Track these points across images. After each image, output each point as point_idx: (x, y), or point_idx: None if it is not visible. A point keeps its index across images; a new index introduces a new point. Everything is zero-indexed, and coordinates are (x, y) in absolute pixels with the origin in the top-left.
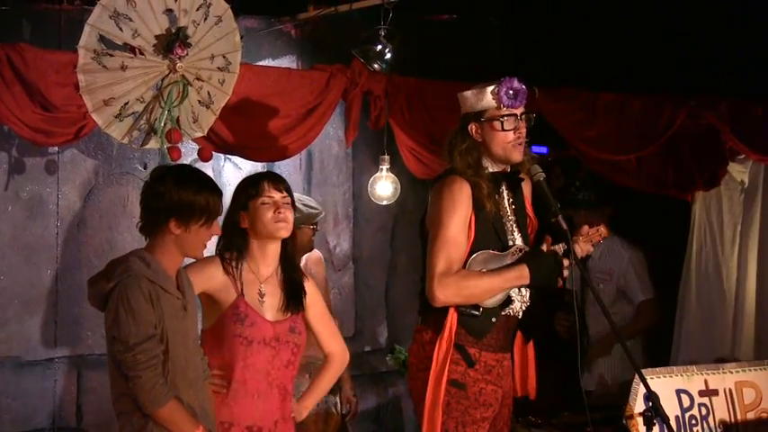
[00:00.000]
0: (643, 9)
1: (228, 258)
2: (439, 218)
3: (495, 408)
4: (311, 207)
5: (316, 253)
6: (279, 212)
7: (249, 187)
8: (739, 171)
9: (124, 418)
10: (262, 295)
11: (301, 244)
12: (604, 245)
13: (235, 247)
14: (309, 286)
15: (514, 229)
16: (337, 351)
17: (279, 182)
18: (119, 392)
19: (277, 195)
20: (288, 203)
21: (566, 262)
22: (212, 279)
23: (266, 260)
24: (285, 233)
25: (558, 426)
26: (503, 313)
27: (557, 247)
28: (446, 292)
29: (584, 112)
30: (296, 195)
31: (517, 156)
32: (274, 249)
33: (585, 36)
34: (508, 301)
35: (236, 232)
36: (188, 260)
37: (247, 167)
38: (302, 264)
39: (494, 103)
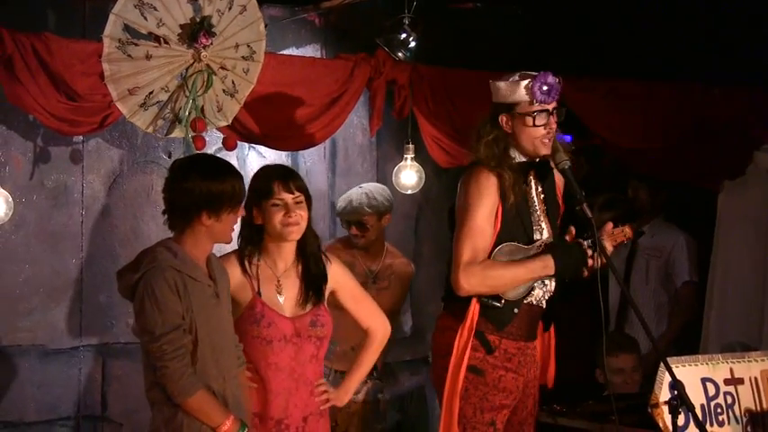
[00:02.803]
0: (667, 5)
1: (247, 255)
2: (465, 208)
3: (515, 395)
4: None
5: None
6: (289, 216)
7: (261, 185)
8: (764, 160)
9: (156, 407)
10: (280, 291)
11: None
12: (657, 225)
13: (252, 243)
14: (334, 269)
15: (542, 219)
16: (377, 326)
17: (289, 180)
18: (150, 382)
19: (288, 197)
20: (301, 202)
21: (590, 253)
22: (231, 279)
23: (282, 256)
24: (296, 236)
25: (583, 414)
26: (525, 302)
27: (584, 240)
28: (471, 281)
29: (608, 101)
30: (365, 188)
31: (544, 150)
32: (290, 246)
33: (609, 24)
34: (531, 290)
35: (252, 229)
36: None
37: (272, 156)
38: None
39: (527, 98)
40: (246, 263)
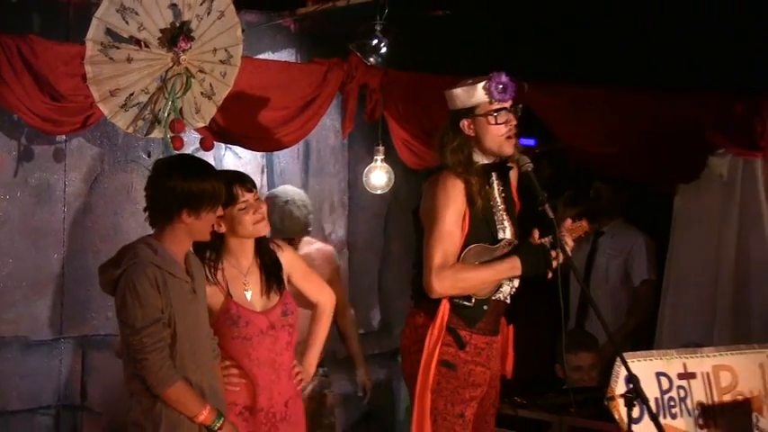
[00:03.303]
0: (630, 7)
1: (212, 261)
2: (434, 213)
3: (483, 388)
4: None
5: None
6: (257, 214)
7: (222, 194)
8: (719, 165)
9: (135, 398)
10: (247, 288)
11: None
12: (618, 225)
13: (212, 249)
14: (285, 255)
15: (504, 218)
16: (325, 299)
17: (245, 181)
18: (130, 374)
19: (250, 197)
20: (259, 199)
21: (553, 253)
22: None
23: (246, 253)
24: (266, 230)
25: (542, 406)
26: (493, 298)
27: (547, 239)
28: (443, 285)
29: (573, 107)
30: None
31: (508, 149)
32: (251, 243)
33: (575, 32)
34: (498, 287)
35: (214, 237)
36: None
37: (247, 156)
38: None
39: (485, 98)
40: (212, 270)
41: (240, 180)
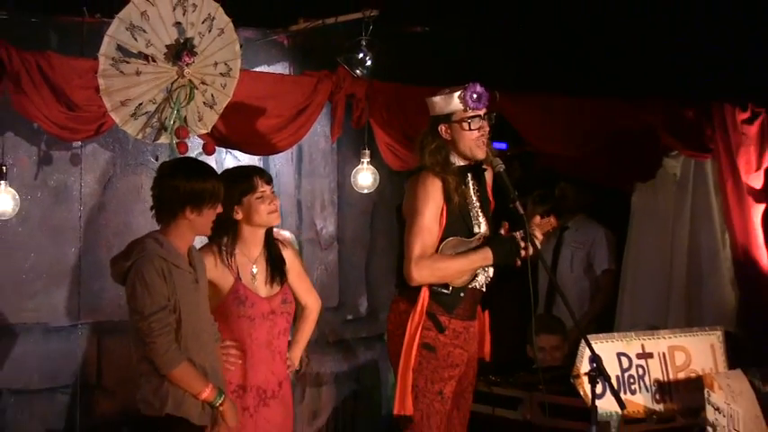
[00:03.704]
0: (592, 24)
1: (223, 246)
2: (415, 209)
3: (461, 368)
4: None
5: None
6: (272, 204)
7: (242, 183)
8: (672, 165)
9: (145, 378)
10: (254, 276)
11: None
12: (581, 220)
13: (228, 235)
14: (286, 253)
15: (479, 214)
16: (312, 302)
17: (264, 175)
18: (139, 356)
19: (267, 189)
20: (274, 193)
21: (523, 244)
22: (211, 269)
23: (256, 242)
24: (278, 221)
25: (515, 384)
26: (469, 287)
27: (516, 233)
28: (422, 273)
29: (540, 114)
30: None
31: (481, 153)
32: (262, 233)
33: (542, 46)
34: (474, 276)
35: (231, 225)
36: None
37: (246, 159)
38: None
39: (461, 106)
40: (225, 253)
41: (260, 173)
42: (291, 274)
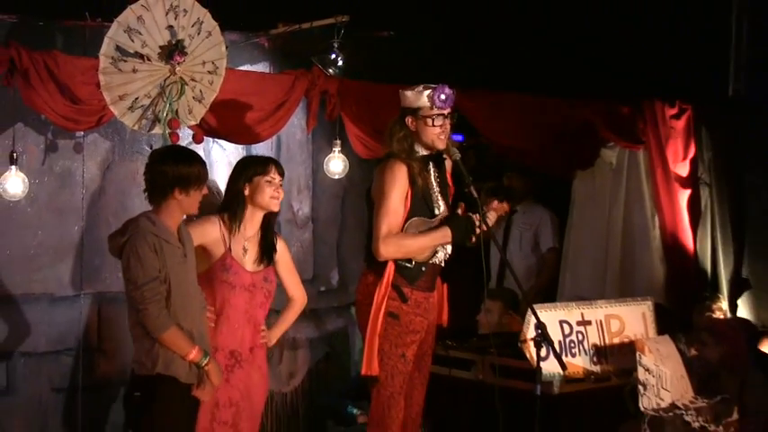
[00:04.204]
0: (539, 31)
1: (226, 219)
2: (382, 192)
3: (421, 334)
4: None
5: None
6: (277, 191)
7: (258, 165)
8: (609, 155)
9: (138, 341)
10: (245, 250)
11: None
12: (528, 205)
13: (233, 209)
14: (281, 245)
15: (439, 197)
16: (299, 295)
17: (280, 166)
18: (133, 322)
19: (278, 177)
20: (281, 185)
21: (477, 222)
22: (208, 235)
23: (253, 223)
24: (277, 208)
25: (469, 348)
26: (430, 262)
27: (474, 216)
28: (388, 250)
29: (493, 109)
30: None
31: (441, 145)
32: (260, 216)
33: (494, 49)
34: (434, 253)
35: (239, 198)
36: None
37: (230, 148)
38: None
39: (428, 104)
40: (225, 225)
41: (277, 164)
42: (282, 267)
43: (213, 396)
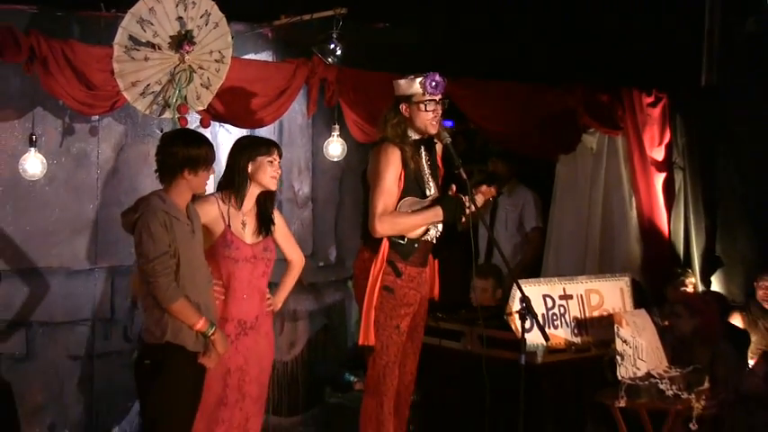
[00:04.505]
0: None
1: (223, 197)
2: (377, 174)
3: (414, 307)
4: None
5: None
6: (276, 171)
7: (262, 146)
8: (590, 140)
9: (149, 311)
10: (244, 225)
11: None
12: (512, 186)
13: (237, 186)
14: (277, 216)
15: (430, 179)
16: (296, 258)
17: (279, 149)
18: (144, 293)
19: (277, 158)
20: (280, 165)
21: (467, 203)
22: (207, 214)
23: (251, 198)
24: (275, 187)
25: (458, 320)
26: (422, 239)
27: (462, 196)
28: (384, 227)
29: (480, 96)
30: None
31: (433, 130)
32: (257, 192)
33: (483, 41)
34: (426, 231)
35: (243, 175)
36: None
37: (236, 132)
38: None
39: (420, 91)
40: (223, 202)
41: (277, 146)
42: (278, 234)
43: (224, 363)
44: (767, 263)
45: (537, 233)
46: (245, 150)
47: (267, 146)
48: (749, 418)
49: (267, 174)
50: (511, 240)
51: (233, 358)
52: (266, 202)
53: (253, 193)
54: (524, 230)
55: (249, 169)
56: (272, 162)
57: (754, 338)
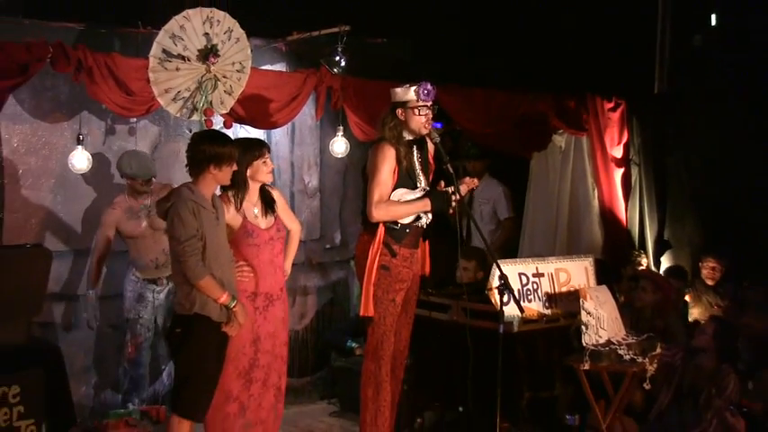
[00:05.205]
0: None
1: (235, 195)
2: (375, 168)
3: (407, 283)
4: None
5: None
6: (269, 167)
7: (255, 150)
8: (559, 140)
9: (179, 287)
10: (256, 214)
11: None
12: (485, 182)
13: (238, 187)
14: (275, 193)
15: (421, 174)
16: (295, 227)
17: (267, 146)
18: (175, 271)
19: (268, 156)
20: (270, 159)
21: (454, 197)
22: (225, 213)
23: (254, 192)
24: (271, 179)
25: (445, 294)
26: (414, 225)
27: (449, 188)
28: (379, 213)
29: (465, 102)
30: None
31: (424, 131)
32: (258, 186)
33: (469, 52)
34: (417, 218)
35: (243, 179)
36: None
37: (254, 132)
38: None
39: (414, 97)
40: (236, 201)
41: (266, 145)
42: (279, 209)
43: (255, 331)
44: (710, 246)
45: (510, 222)
46: (241, 157)
47: (260, 149)
48: (698, 365)
49: (264, 173)
50: (485, 228)
51: (263, 326)
52: (265, 190)
53: (254, 188)
54: (497, 219)
55: (248, 173)
56: (265, 162)
57: (698, 310)
